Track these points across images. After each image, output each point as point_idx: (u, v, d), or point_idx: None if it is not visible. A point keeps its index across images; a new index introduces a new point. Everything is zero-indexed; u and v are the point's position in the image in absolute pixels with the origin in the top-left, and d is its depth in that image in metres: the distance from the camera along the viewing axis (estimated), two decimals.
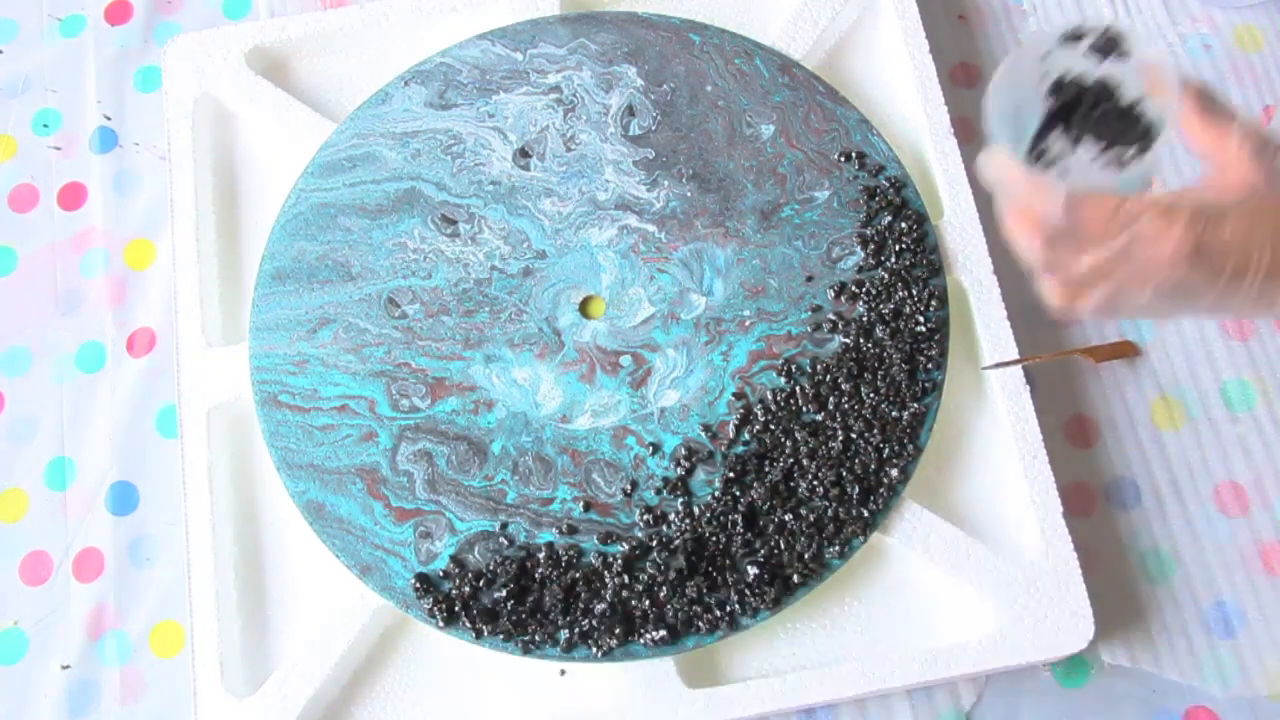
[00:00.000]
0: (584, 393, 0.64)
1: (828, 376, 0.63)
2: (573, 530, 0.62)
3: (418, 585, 0.61)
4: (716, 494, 0.62)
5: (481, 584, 0.60)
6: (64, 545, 0.66)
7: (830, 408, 0.63)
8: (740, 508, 0.61)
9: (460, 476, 0.63)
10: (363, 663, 0.62)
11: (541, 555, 0.61)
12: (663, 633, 0.59)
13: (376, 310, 0.67)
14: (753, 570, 0.60)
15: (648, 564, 0.60)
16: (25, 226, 0.74)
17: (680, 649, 0.59)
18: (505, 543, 0.62)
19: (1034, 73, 0.47)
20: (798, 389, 0.63)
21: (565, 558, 0.61)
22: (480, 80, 0.72)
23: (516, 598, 0.60)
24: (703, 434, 0.63)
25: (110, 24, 0.79)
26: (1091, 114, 0.47)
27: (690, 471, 0.62)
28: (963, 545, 0.61)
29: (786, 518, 0.61)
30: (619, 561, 0.60)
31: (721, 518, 0.61)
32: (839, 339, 0.64)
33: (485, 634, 0.60)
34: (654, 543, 0.61)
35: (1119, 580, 0.63)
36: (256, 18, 0.78)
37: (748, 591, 0.59)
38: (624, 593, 0.60)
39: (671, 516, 0.61)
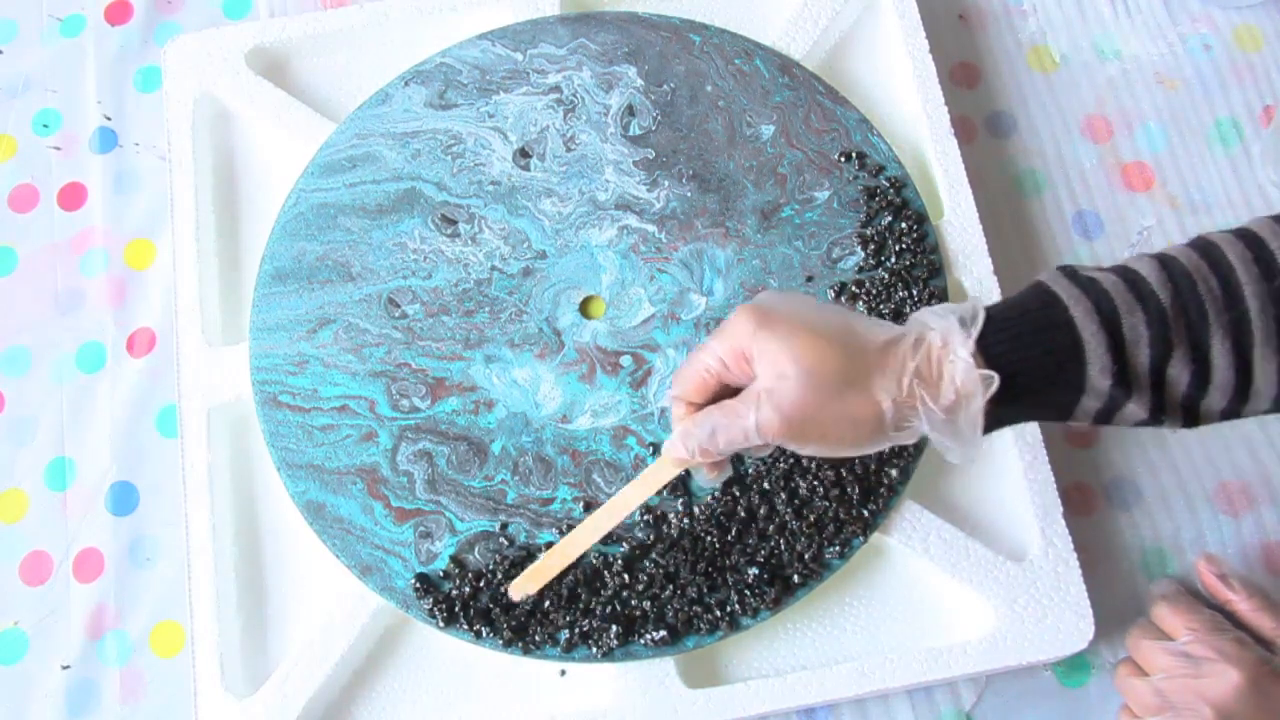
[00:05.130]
0: (584, 393, 0.64)
1: None
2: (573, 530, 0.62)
3: (418, 585, 0.61)
4: (716, 494, 0.62)
5: (481, 584, 0.60)
6: (64, 545, 0.66)
7: None
8: (740, 508, 0.61)
9: (460, 476, 0.63)
10: (363, 663, 0.62)
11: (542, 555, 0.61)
12: (663, 633, 0.59)
13: (376, 310, 0.67)
14: (753, 570, 0.60)
15: (648, 564, 0.60)
16: (25, 226, 0.74)
17: (680, 649, 0.59)
18: (505, 543, 0.62)
19: None
20: None
21: None
22: (480, 80, 0.72)
23: None
24: None
25: (110, 24, 0.79)
26: None
27: (690, 471, 0.62)
28: (963, 545, 0.61)
29: (787, 518, 0.61)
30: (619, 561, 0.60)
31: (721, 518, 0.61)
32: None
33: (485, 634, 0.60)
34: (654, 542, 0.61)
35: (1119, 580, 0.63)
36: (256, 18, 0.78)
37: (748, 591, 0.59)
38: (624, 593, 0.60)
39: (671, 516, 0.61)
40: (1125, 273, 0.49)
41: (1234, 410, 0.49)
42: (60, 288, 0.72)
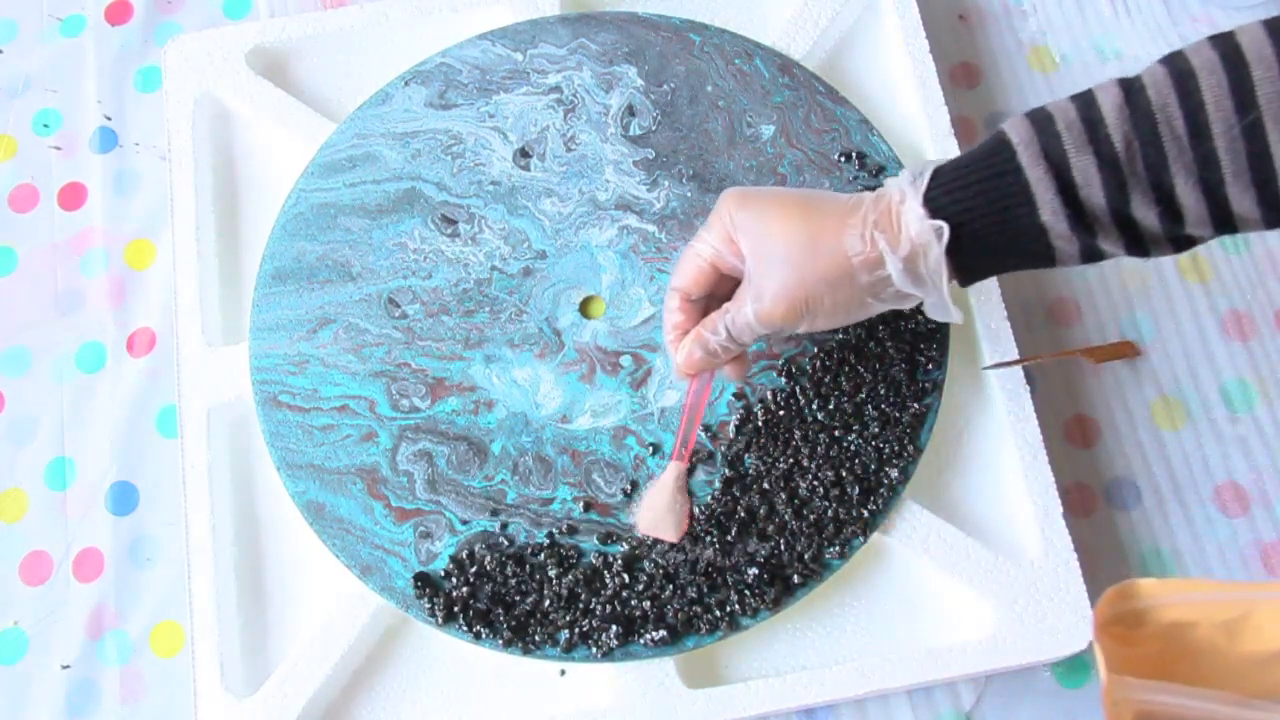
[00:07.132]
0: (584, 393, 0.64)
1: (828, 376, 0.63)
2: (573, 530, 0.62)
3: (417, 585, 0.61)
4: (716, 494, 0.62)
5: (481, 584, 0.60)
6: (64, 545, 0.66)
7: (830, 408, 0.63)
8: (740, 508, 0.61)
9: (460, 476, 0.63)
10: (363, 663, 0.62)
11: (542, 556, 0.61)
12: (663, 633, 0.59)
13: (377, 310, 0.67)
14: (753, 570, 0.60)
15: (647, 564, 0.60)
16: (25, 226, 0.74)
17: (680, 649, 0.59)
18: (505, 543, 0.62)
19: None
20: (798, 389, 0.63)
21: (565, 558, 0.61)
22: (480, 80, 0.72)
23: (517, 598, 0.60)
24: (703, 434, 0.63)
25: (110, 24, 0.79)
26: None
27: (690, 471, 0.62)
28: (963, 545, 0.61)
29: (787, 518, 0.61)
30: (619, 561, 0.60)
31: (721, 518, 0.61)
32: (839, 339, 0.64)
33: (485, 634, 0.60)
34: (654, 542, 0.61)
35: (1119, 580, 0.63)
36: (256, 18, 0.78)
37: (748, 591, 0.59)
38: (624, 593, 0.60)
39: None
40: (1086, 109, 0.49)
41: (1228, 231, 0.49)
42: (60, 288, 0.72)
